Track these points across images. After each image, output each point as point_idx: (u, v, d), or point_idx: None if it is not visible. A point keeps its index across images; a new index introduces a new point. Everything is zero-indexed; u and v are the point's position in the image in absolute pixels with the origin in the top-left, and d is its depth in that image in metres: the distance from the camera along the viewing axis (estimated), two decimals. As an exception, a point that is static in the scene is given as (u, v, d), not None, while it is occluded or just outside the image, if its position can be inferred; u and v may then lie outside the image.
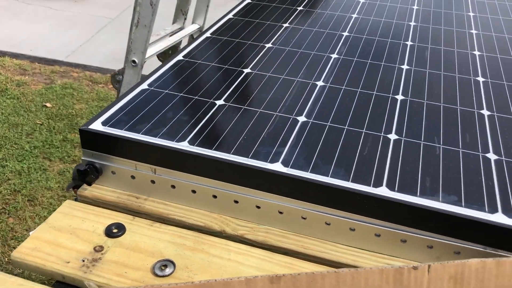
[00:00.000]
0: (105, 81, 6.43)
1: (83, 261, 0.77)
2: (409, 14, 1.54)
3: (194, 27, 2.22)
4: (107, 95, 6.08)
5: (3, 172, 4.43)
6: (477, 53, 1.29)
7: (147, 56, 1.75)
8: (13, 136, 5.04)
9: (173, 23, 2.24)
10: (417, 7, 1.61)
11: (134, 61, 1.68)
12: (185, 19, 2.21)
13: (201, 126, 0.92)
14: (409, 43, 1.33)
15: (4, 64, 6.80)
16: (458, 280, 0.63)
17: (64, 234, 0.82)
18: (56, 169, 4.66)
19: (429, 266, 0.62)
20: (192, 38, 2.22)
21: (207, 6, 2.20)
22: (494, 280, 0.63)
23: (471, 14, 1.56)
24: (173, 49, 2.27)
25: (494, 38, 1.38)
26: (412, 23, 1.47)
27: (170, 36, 2.06)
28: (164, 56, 2.27)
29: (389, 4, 1.62)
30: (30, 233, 0.83)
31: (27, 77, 6.48)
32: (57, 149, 4.84)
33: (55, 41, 7.71)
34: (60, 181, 4.52)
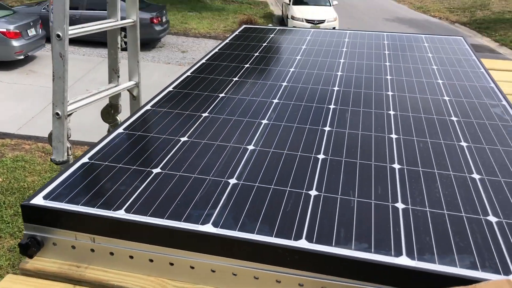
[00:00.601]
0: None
1: (23, 332, 0.80)
2: (333, 80, 1.70)
3: (131, 83, 2.34)
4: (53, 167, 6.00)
5: None
6: (392, 112, 1.44)
7: (72, 108, 1.84)
8: (-41, 213, 4.85)
9: (109, 82, 2.36)
10: (341, 73, 1.78)
11: (57, 113, 1.77)
12: (118, 77, 2.33)
13: (138, 194, 1.00)
14: (332, 106, 1.47)
15: (-49, 140, 6.64)
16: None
17: (4, 307, 0.85)
18: (6, 246, 4.49)
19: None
20: (132, 96, 2.32)
21: (138, 62, 2.34)
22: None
23: (389, 77, 1.74)
24: (114, 108, 2.37)
25: (407, 98, 1.55)
26: (336, 88, 1.63)
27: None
28: (106, 114, 2.37)
29: (316, 72, 1.79)
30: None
31: (-25, 152, 6.33)
32: (8, 224, 4.70)
33: (6, 114, 7.65)
34: (10, 258, 4.36)
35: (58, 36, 1.73)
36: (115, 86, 2.28)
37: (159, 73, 9.79)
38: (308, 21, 12.99)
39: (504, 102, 1.52)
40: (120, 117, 2.45)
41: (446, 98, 1.56)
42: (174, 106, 1.46)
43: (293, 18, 13.21)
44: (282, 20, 15.16)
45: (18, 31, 9.42)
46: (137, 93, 2.39)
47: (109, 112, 2.43)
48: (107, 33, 2.28)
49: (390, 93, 1.59)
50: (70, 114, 1.87)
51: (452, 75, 1.77)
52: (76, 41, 11.41)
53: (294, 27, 2.55)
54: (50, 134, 1.92)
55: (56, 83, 1.77)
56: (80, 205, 0.95)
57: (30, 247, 0.94)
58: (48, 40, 10.87)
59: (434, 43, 2.19)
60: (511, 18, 16.48)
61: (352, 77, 1.73)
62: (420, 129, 1.33)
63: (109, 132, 1.26)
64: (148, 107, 1.45)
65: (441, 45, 2.17)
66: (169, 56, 11.11)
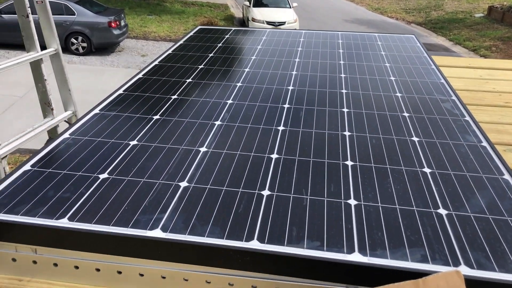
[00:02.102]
0: (14, 161, 6.13)
1: None
2: (288, 79, 1.70)
3: (67, 113, 2.29)
4: None
5: None
6: (345, 110, 1.45)
7: (5, 150, 1.80)
8: None
9: (44, 117, 2.29)
10: (296, 72, 1.78)
11: None
12: (52, 109, 2.27)
13: (83, 201, 0.95)
14: (286, 106, 1.46)
15: None
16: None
17: None
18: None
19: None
20: (69, 124, 2.26)
21: (70, 90, 2.28)
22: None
23: (343, 75, 1.75)
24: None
25: (360, 95, 1.56)
26: (291, 87, 1.62)
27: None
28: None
29: (271, 71, 1.78)
30: None
31: None
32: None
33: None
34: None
35: None
36: (51, 120, 2.22)
37: (118, 78, 9.60)
38: (268, 23, 13.05)
39: (454, 97, 1.55)
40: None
41: (399, 94, 1.57)
42: (124, 109, 1.41)
43: (253, 20, 13.25)
44: (243, 23, 15.18)
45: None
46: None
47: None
48: (30, 66, 2.21)
49: (344, 91, 1.60)
50: (5, 156, 1.81)
51: (404, 72, 1.80)
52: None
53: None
54: None
55: None
56: (20, 215, 0.90)
57: (-35, 262, 0.88)
58: (0, 46, 10.48)
59: (387, 41, 2.22)
60: (464, 18, 17.10)
61: (307, 76, 1.73)
62: (373, 126, 1.34)
63: (50, 139, 1.21)
64: (96, 110, 1.40)
65: (393, 43, 2.20)
66: (128, 60, 10.92)
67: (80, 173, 1.05)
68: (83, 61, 10.61)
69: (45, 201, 0.94)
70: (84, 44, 10.85)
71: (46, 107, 2.28)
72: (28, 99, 8.43)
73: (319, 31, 2.37)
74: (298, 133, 1.28)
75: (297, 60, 1.92)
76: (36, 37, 2.16)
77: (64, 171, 1.06)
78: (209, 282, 0.86)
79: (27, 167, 1.07)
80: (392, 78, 1.73)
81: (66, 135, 1.23)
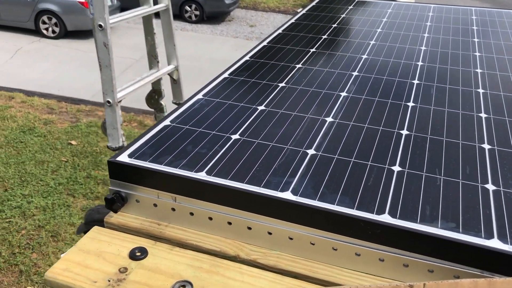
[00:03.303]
0: (129, 119, 6.64)
1: (109, 281, 0.84)
2: (417, 55, 1.62)
3: (170, 67, 2.36)
4: (130, 133, 6.26)
5: (28, 208, 4.57)
6: (481, 90, 1.35)
7: (121, 95, 1.89)
8: (39, 172, 5.21)
9: (150, 69, 2.40)
10: (425, 48, 1.69)
11: (108, 102, 1.83)
12: (158, 62, 2.36)
13: (218, 158, 1.00)
14: (415, 81, 1.41)
15: (33, 103, 7.09)
16: (452, 298, 0.68)
17: (91, 256, 0.90)
18: (79, 205, 4.78)
19: (424, 284, 0.67)
20: (172, 79, 2.36)
21: (174, 45, 2.35)
22: (486, 299, 0.68)
23: (477, 54, 1.64)
24: (157, 93, 2.43)
25: (498, 77, 1.45)
26: (420, 63, 1.55)
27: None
28: (150, 100, 2.43)
29: (398, 45, 1.71)
30: (61, 255, 0.90)
31: (54, 115, 6.73)
32: (81, 185, 4.98)
33: (82, 81, 8.04)
34: (82, 217, 4.62)
35: (100, 26, 1.78)
36: (156, 72, 2.33)
37: (227, 47, 9.85)
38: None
39: None
40: (164, 102, 2.50)
41: (542, 78, 1.44)
42: (251, 75, 1.45)
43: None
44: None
45: (95, 2, 9.79)
46: (177, 76, 2.42)
47: (153, 98, 2.48)
48: (142, 20, 2.31)
49: (479, 70, 1.49)
50: (120, 101, 1.94)
51: (549, 54, 1.63)
52: (149, 13, 11.70)
53: None
54: (103, 123, 1.99)
55: (104, 73, 1.83)
56: (164, 165, 0.97)
57: (115, 202, 0.98)
58: (122, 10, 11.23)
59: (528, 20, 2.03)
60: None
61: (437, 52, 1.64)
62: (512, 109, 1.24)
63: (156, 118, 1.28)
64: (225, 75, 1.45)
65: (536, 22, 2.00)
66: (237, 30, 11.14)
67: (214, 132, 1.11)
68: (195, 28, 11.03)
69: (185, 155, 1.01)
70: (197, 12, 11.24)
71: (153, 59, 2.40)
72: (144, 62, 8.99)
73: (449, 6, 2.22)
74: (429, 110, 1.23)
75: (426, 35, 1.82)
76: None
77: (200, 129, 1.12)
78: (335, 249, 0.87)
79: (166, 122, 1.15)
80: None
81: (200, 95, 1.30)
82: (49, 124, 6.40)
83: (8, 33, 10.06)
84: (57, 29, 9.89)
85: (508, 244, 0.79)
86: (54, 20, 9.83)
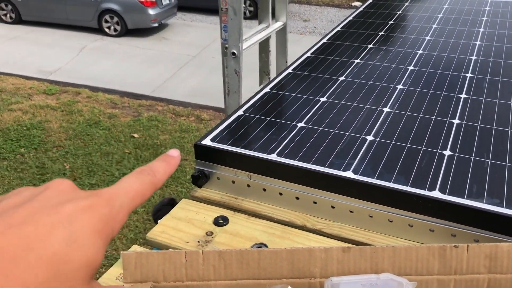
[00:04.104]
0: (187, 114, 6.94)
1: (199, 242, 1.02)
2: (471, 49, 1.70)
3: (278, 24, 2.44)
4: (189, 127, 6.55)
5: (95, 195, 4.94)
6: (533, 83, 1.42)
7: (243, 48, 1.97)
8: (104, 163, 5.58)
9: (259, 23, 2.50)
10: (480, 43, 1.76)
11: (233, 53, 1.93)
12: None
13: (286, 142, 1.16)
14: (468, 75, 1.49)
15: (97, 98, 7.55)
16: (493, 258, 0.79)
17: (183, 222, 1.08)
18: (142, 194, 5.08)
19: (468, 245, 0.80)
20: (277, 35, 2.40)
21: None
22: (524, 260, 0.79)
23: None
24: (264, 49, 2.52)
25: (551, 70, 1.51)
26: (473, 57, 1.63)
27: (259, 33, 2.33)
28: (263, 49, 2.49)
29: (453, 40, 1.79)
30: (158, 221, 1.09)
31: (117, 110, 7.14)
32: (144, 175, 5.30)
33: (142, 77, 8.45)
34: (145, 205, 4.93)
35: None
36: (266, 27, 2.36)
37: (280, 42, 9.97)
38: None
39: None
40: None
41: None
42: (313, 70, 1.59)
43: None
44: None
45: (154, 0, 10.20)
46: (284, 33, 2.42)
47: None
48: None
49: (532, 63, 1.56)
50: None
51: None
52: (205, 10, 12.03)
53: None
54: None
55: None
56: (240, 148, 1.14)
57: (200, 179, 1.16)
58: (179, 8, 11.61)
59: None
60: None
61: (491, 46, 1.71)
62: None
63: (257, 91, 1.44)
64: (289, 70, 1.60)
65: None
66: (291, 25, 11.24)
67: (281, 121, 1.26)
68: (250, 25, 11.25)
69: (258, 139, 1.17)
70: (251, 8, 11.45)
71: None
72: (200, 58, 9.30)
73: (507, 0, 2.26)
74: (481, 102, 1.32)
75: (481, 30, 1.89)
76: (270, 10, 2.33)
77: (269, 118, 1.28)
78: (391, 221, 1.00)
79: (240, 112, 1.32)
80: None
81: (267, 89, 1.46)
82: (113, 118, 6.80)
83: (74, 32, 10.67)
84: (118, 28, 10.38)
85: (548, 218, 0.89)
86: (115, 19, 10.31)
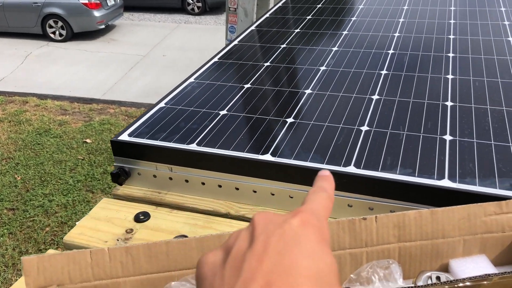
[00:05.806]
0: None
1: (118, 240, 0.99)
2: (395, 26, 1.73)
3: None
4: (118, 124, 6.44)
5: (50, 206, 4.78)
6: (451, 55, 1.46)
7: None
8: (57, 172, 5.41)
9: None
10: (403, 20, 1.79)
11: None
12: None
13: (207, 131, 1.14)
14: (390, 51, 1.51)
15: (46, 106, 7.30)
16: (401, 227, 0.80)
17: (102, 222, 1.04)
18: (98, 200, 4.97)
19: (376, 217, 0.80)
20: None
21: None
22: (430, 226, 0.80)
23: (506, 23, 1.72)
24: None
25: (468, 41, 1.55)
26: (396, 34, 1.65)
27: None
28: None
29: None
30: (77, 223, 1.05)
31: (67, 116, 6.93)
32: (99, 181, 5.17)
33: (92, 81, 8.24)
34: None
35: None
36: None
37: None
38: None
39: None
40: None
41: (510, 38, 1.53)
42: (239, 58, 1.57)
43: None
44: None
45: (98, 2, 9.94)
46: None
47: None
48: None
49: (451, 36, 1.60)
50: None
51: (521, 15, 1.72)
52: (152, 9, 11.83)
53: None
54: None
55: None
56: (159, 140, 1.11)
57: (120, 176, 1.12)
58: (126, 9, 11.37)
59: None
60: None
61: (414, 22, 1.74)
62: (478, 69, 1.35)
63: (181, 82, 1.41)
64: (215, 59, 1.58)
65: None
66: (240, 18, 11.19)
67: (204, 110, 1.24)
68: (199, 20, 11.14)
69: (178, 131, 1.15)
70: (199, 4, 11.34)
71: None
72: (150, 57, 9.14)
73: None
74: (400, 76, 1.34)
75: (405, 7, 1.92)
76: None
77: (192, 108, 1.25)
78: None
79: (161, 104, 1.29)
80: (506, 23, 1.67)
81: (192, 79, 1.43)
82: (64, 125, 6.60)
83: (17, 39, 10.28)
84: (64, 32, 10.07)
85: (456, 182, 0.91)
86: (60, 24, 10.00)
